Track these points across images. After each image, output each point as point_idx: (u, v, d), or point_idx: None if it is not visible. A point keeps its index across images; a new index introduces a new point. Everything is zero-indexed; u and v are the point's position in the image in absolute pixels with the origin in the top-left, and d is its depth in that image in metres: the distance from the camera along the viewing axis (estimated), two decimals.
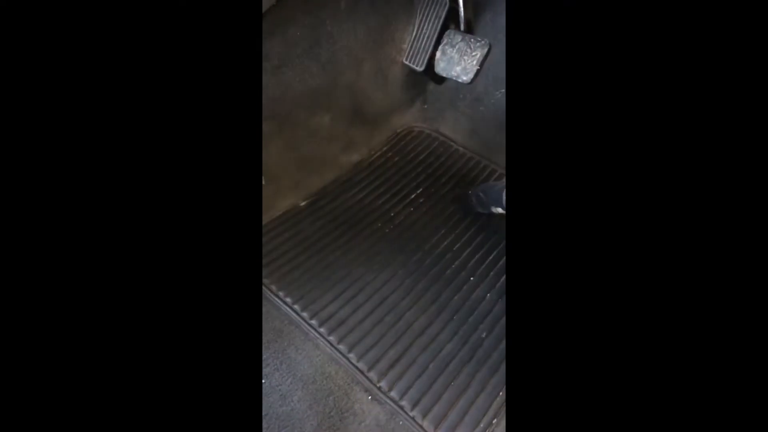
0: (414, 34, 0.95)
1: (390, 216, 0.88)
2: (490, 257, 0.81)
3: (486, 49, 0.82)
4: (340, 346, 0.68)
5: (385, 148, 1.01)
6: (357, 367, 0.67)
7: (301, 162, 0.90)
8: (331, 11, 0.86)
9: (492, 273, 0.79)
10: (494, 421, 0.62)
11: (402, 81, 1.02)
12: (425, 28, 0.93)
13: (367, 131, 1.01)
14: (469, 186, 0.92)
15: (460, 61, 0.85)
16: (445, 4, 0.90)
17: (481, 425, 0.62)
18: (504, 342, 0.69)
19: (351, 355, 0.67)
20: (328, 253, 0.80)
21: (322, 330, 0.70)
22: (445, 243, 0.83)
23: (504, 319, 0.72)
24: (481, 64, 0.83)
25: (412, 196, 0.91)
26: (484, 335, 0.71)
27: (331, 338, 0.69)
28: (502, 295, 0.75)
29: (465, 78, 0.85)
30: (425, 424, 0.62)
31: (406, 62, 0.96)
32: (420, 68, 0.94)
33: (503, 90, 0.86)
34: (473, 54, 0.83)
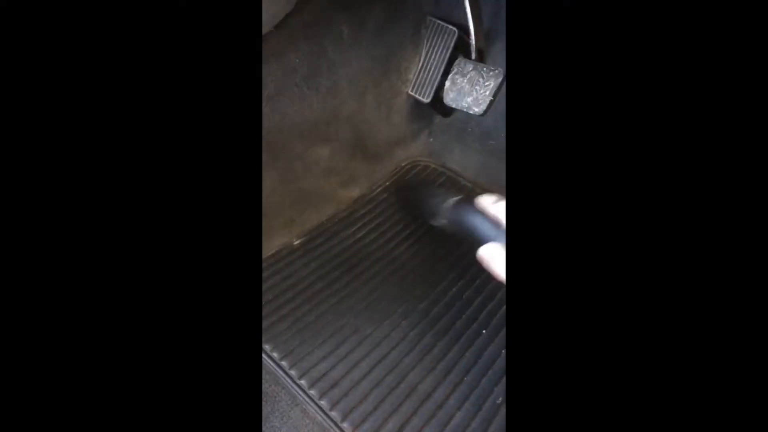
0: (420, 64, 0.90)
1: (392, 257, 0.79)
2: (505, 306, 0.72)
3: (500, 79, 0.76)
4: (333, 413, 0.58)
5: (388, 183, 0.94)
6: None
7: (297, 197, 0.82)
8: (333, 38, 0.81)
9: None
10: None
11: (407, 113, 0.96)
12: (432, 57, 0.87)
13: (369, 165, 0.94)
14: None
15: (472, 92, 0.79)
16: (454, 33, 0.85)
17: None
18: None
19: (345, 425, 0.58)
20: (321, 301, 0.71)
21: (312, 392, 0.60)
22: (454, 289, 0.74)
23: None
24: (495, 95, 0.77)
25: (418, 235, 0.83)
26: (499, 401, 0.61)
27: (322, 402, 0.59)
28: None
29: (477, 109, 0.79)
30: None
31: (412, 93, 0.90)
32: (426, 100, 0.88)
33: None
34: (486, 84, 0.77)
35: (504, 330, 0.69)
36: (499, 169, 0.94)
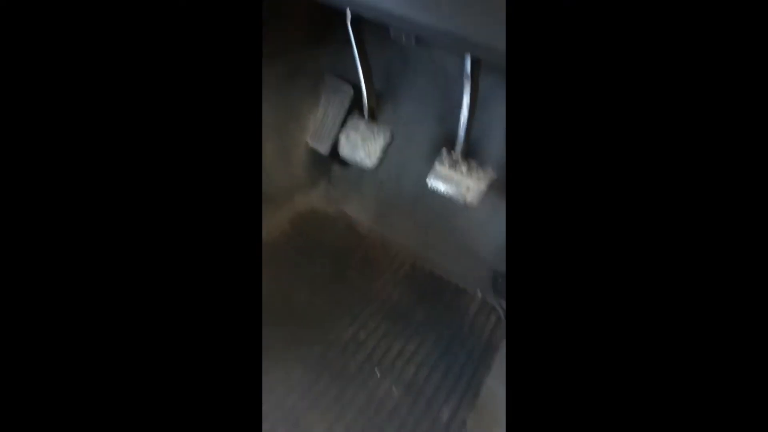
0: (320, 117, 0.95)
1: (289, 302, 0.81)
2: (396, 347, 0.76)
3: (389, 137, 0.85)
4: None
5: (287, 229, 0.96)
6: None
7: None
8: None
9: (398, 363, 0.74)
10: None
11: (306, 162, 1.00)
12: (330, 112, 0.94)
13: (268, 211, 0.95)
14: (374, 271, 0.89)
15: (364, 146, 0.86)
16: (350, 91, 0.92)
17: None
18: None
19: None
20: None
21: None
22: (349, 333, 0.77)
23: (411, 419, 0.66)
24: (384, 151, 0.85)
25: (316, 281, 0.86)
26: None
27: None
28: (408, 389, 0.70)
29: (368, 163, 0.86)
30: None
31: (311, 143, 0.95)
32: (325, 152, 0.93)
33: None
34: (376, 140, 0.85)
35: (396, 367, 0.73)
36: (395, 218, 1.01)
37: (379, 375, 0.71)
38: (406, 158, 1.05)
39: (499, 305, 0.84)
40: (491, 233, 0.98)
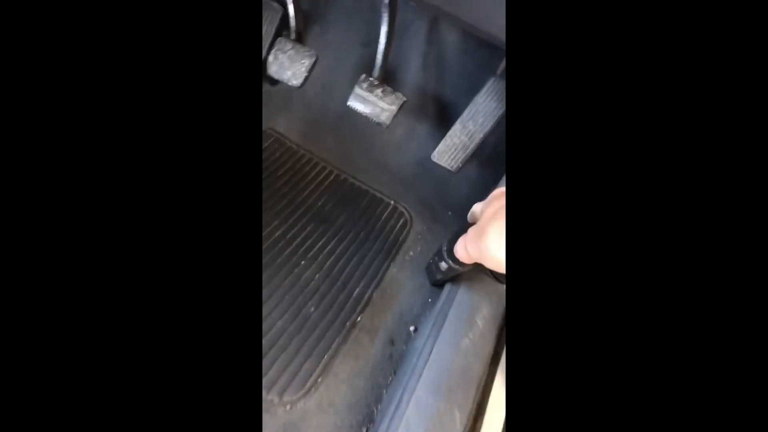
0: None
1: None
2: (318, 244, 0.91)
3: (313, 59, 0.93)
4: None
5: None
6: None
7: None
8: None
9: (321, 256, 0.89)
10: (318, 380, 0.73)
11: None
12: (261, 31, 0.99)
13: None
14: (301, 181, 1.01)
15: (291, 67, 0.93)
16: (279, 11, 0.97)
17: (308, 385, 0.71)
18: (329, 313, 0.80)
19: None
20: None
21: None
22: (278, 233, 0.91)
23: (329, 295, 0.83)
24: (310, 72, 0.93)
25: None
26: (312, 310, 0.81)
27: None
28: (328, 274, 0.86)
29: (295, 82, 0.94)
30: None
31: None
32: None
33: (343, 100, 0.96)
34: (302, 62, 0.93)
35: (318, 259, 0.88)
36: (318, 136, 1.12)
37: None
38: (333, 80, 1.13)
39: (405, 209, 1.01)
40: (407, 151, 1.12)
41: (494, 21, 0.67)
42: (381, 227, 0.97)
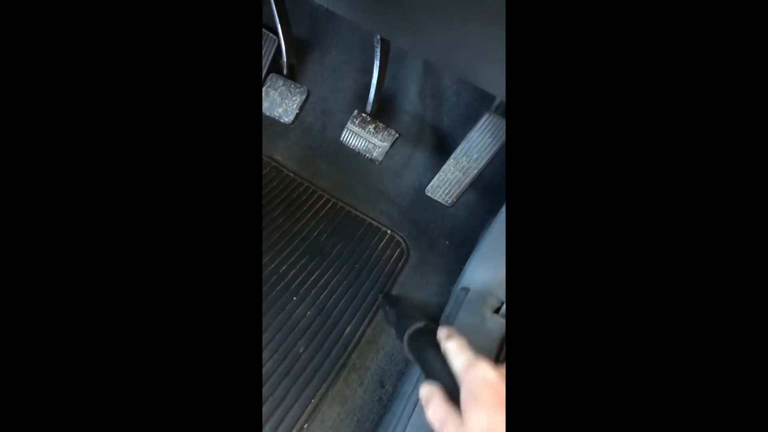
0: None
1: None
2: (311, 278, 0.91)
3: (304, 96, 0.92)
4: None
5: None
6: None
7: None
8: None
9: (314, 291, 0.89)
10: (305, 426, 0.72)
11: None
12: None
13: None
14: (297, 210, 1.01)
15: (282, 104, 0.93)
16: (274, 41, 0.97)
17: (294, 429, 0.71)
18: (319, 353, 0.80)
19: None
20: None
21: None
22: (271, 267, 0.91)
23: (320, 333, 0.83)
24: (301, 109, 0.93)
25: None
26: (302, 350, 0.81)
27: None
28: (320, 310, 0.86)
29: (286, 119, 0.94)
30: None
31: None
32: None
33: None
34: (294, 99, 0.93)
35: (311, 294, 0.88)
36: (319, 162, 1.12)
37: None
38: (331, 106, 1.13)
39: (402, 238, 1.00)
40: (405, 177, 1.11)
41: (494, 85, 0.65)
42: (376, 258, 0.96)
